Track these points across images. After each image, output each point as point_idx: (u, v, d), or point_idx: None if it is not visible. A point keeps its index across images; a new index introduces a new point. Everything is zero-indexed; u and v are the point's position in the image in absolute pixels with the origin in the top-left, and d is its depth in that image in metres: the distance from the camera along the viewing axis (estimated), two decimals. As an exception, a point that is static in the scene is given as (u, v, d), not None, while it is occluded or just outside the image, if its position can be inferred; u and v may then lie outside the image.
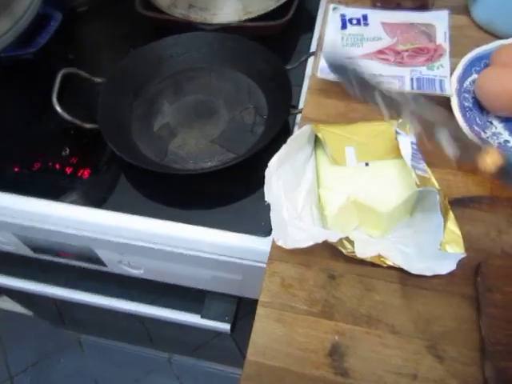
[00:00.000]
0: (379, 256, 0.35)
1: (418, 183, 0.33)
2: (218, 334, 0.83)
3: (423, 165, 0.36)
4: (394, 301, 0.34)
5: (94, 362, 1.17)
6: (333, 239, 0.34)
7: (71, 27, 0.67)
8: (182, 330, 0.78)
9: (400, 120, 0.37)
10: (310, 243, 0.34)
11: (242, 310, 0.60)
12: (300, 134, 0.39)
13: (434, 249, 0.33)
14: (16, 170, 0.53)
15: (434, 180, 0.35)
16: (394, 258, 0.35)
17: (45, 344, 1.20)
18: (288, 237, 0.35)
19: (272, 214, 0.36)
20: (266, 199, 0.36)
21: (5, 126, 0.57)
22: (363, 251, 0.35)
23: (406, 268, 0.35)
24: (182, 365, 1.14)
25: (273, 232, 0.36)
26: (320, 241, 0.34)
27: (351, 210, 0.37)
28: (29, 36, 0.52)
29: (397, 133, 0.36)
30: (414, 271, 0.35)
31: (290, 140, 0.39)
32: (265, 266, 0.47)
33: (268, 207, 0.36)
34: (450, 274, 0.34)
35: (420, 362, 0.31)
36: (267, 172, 0.37)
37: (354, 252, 0.35)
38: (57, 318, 1.04)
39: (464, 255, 0.33)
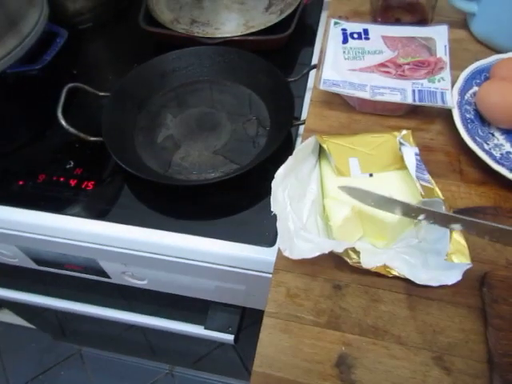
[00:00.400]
0: (385, 266, 0.35)
1: (423, 194, 0.33)
2: (219, 345, 0.82)
3: (427, 175, 0.36)
4: (399, 311, 0.34)
5: (94, 374, 1.16)
6: (339, 249, 0.34)
7: (76, 43, 0.69)
8: (184, 341, 0.78)
9: (403, 131, 0.37)
10: (316, 254, 0.34)
11: (245, 321, 0.60)
12: (305, 146, 0.40)
13: (440, 259, 0.33)
14: (21, 183, 0.53)
15: (438, 190, 0.35)
16: (400, 269, 0.36)
17: (45, 357, 1.19)
18: (294, 247, 0.35)
19: (278, 224, 0.36)
20: (272, 209, 0.36)
21: (10, 140, 0.58)
22: (368, 261, 0.36)
23: (411, 278, 0.35)
24: (184, 377, 1.13)
25: (279, 242, 0.36)
26: (326, 251, 0.34)
27: (356, 220, 0.37)
28: (35, 53, 0.52)
29: (400, 144, 0.37)
30: (419, 281, 0.35)
31: (295, 151, 0.39)
32: (269, 276, 0.48)
33: (272, 218, 0.36)
34: (456, 284, 0.34)
35: (427, 374, 0.31)
36: (273, 183, 0.38)
37: (359, 262, 0.35)
38: (58, 330, 1.04)
39: (470, 265, 0.33)
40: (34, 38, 0.51)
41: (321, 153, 0.42)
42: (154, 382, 1.14)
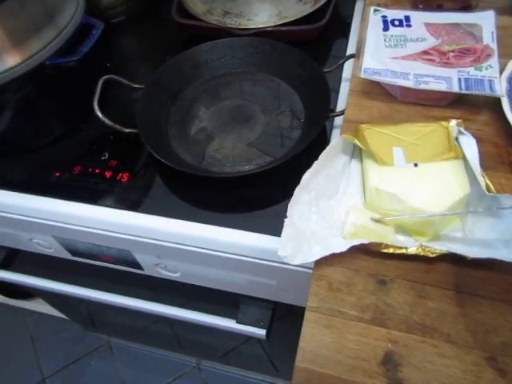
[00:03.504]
0: (422, 246, 0.34)
1: (485, 187, 0.31)
2: (246, 340, 0.82)
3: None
4: (448, 308, 0.32)
5: (123, 365, 1.18)
6: (342, 249, 0.34)
7: (109, 37, 0.69)
8: (210, 335, 0.78)
9: (453, 121, 0.36)
10: (319, 256, 0.33)
11: (274, 316, 0.59)
12: (333, 146, 0.39)
13: (487, 245, 0.31)
14: (57, 174, 0.54)
15: (489, 183, 0.33)
16: (446, 245, 0.33)
17: (76, 347, 1.22)
18: (300, 252, 0.34)
19: (286, 231, 0.35)
20: (287, 215, 0.35)
21: (48, 132, 0.59)
22: (404, 242, 0.34)
23: (458, 252, 0.33)
24: (210, 370, 1.14)
25: (281, 248, 0.35)
26: (328, 253, 0.33)
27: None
28: (72, 45, 0.53)
29: (460, 133, 0.35)
30: (468, 254, 0.32)
31: (322, 154, 0.38)
32: (301, 269, 0.47)
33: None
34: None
35: (480, 375, 0.29)
36: (298, 188, 0.37)
37: (394, 246, 0.34)
38: (88, 320, 1.06)
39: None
40: (71, 30, 0.52)
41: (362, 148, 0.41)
42: (181, 374, 1.15)
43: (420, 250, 0.34)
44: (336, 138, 0.40)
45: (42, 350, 1.23)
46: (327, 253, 0.34)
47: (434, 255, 0.34)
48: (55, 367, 1.20)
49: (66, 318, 1.11)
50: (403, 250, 0.34)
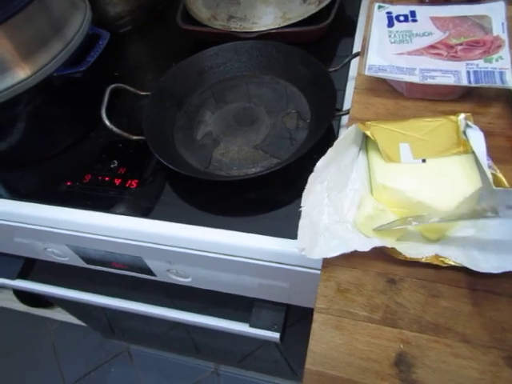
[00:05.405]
0: (437, 256, 0.33)
1: (491, 182, 0.30)
2: (263, 343, 0.81)
3: (490, 161, 0.33)
4: (463, 307, 0.31)
5: (142, 372, 1.19)
6: (365, 248, 0.33)
7: (116, 46, 0.70)
8: (228, 340, 0.77)
9: (462, 115, 0.35)
10: (338, 253, 0.33)
11: (289, 319, 0.59)
12: (346, 135, 0.38)
13: (502, 249, 0.30)
14: (68, 183, 0.55)
15: (502, 177, 0.32)
16: (455, 257, 0.33)
17: (96, 354, 1.23)
18: (316, 246, 0.34)
19: (303, 222, 0.34)
20: (302, 204, 0.35)
21: (58, 142, 0.60)
22: (417, 253, 0.33)
23: (469, 266, 0.32)
24: (229, 375, 1.14)
25: (298, 240, 0.34)
26: (349, 250, 0.32)
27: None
28: (78, 55, 0.54)
29: (467, 126, 0.34)
30: (479, 269, 0.32)
31: (336, 143, 0.38)
32: (312, 271, 0.46)
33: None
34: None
35: (498, 375, 0.28)
36: (311, 176, 0.36)
37: (405, 256, 0.33)
38: (107, 328, 1.07)
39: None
40: (78, 42, 0.53)
41: (368, 140, 0.40)
42: (199, 380, 1.15)
43: (434, 259, 0.33)
44: (351, 127, 0.39)
45: (64, 358, 1.25)
46: (348, 250, 0.33)
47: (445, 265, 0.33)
48: (77, 375, 1.21)
49: (86, 325, 1.12)
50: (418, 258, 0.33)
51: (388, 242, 0.33)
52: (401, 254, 0.33)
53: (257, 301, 0.58)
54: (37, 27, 0.50)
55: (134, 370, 1.20)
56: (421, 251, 0.34)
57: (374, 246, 0.33)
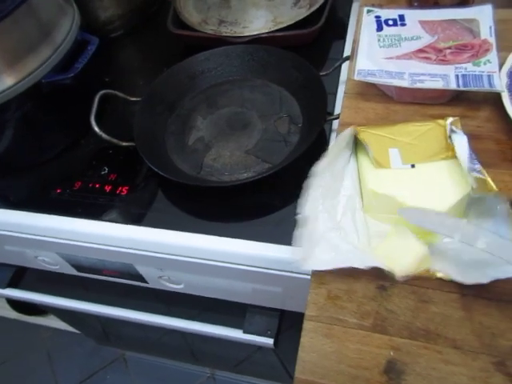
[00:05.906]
0: (427, 269, 0.33)
1: (475, 186, 0.30)
2: (259, 348, 0.81)
3: (478, 165, 0.33)
4: (453, 312, 0.31)
5: (138, 378, 1.18)
6: (361, 266, 0.32)
7: (107, 51, 0.70)
8: (223, 345, 0.77)
9: (450, 118, 0.35)
10: (334, 267, 0.32)
11: (285, 324, 0.58)
12: (341, 139, 0.38)
13: (492, 255, 0.30)
14: (58, 191, 0.54)
15: (490, 181, 0.32)
16: (444, 271, 0.33)
17: (91, 361, 1.22)
18: (312, 256, 0.33)
19: (301, 230, 0.34)
20: (299, 213, 0.35)
21: (47, 149, 0.59)
22: (407, 268, 0.33)
23: (459, 280, 0.32)
24: (225, 380, 1.13)
25: (294, 250, 0.34)
26: (345, 265, 0.32)
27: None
28: (67, 61, 0.53)
29: (452, 131, 0.34)
30: (468, 281, 0.32)
31: (330, 147, 0.37)
32: (305, 277, 0.46)
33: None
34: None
35: (488, 381, 0.28)
36: (307, 183, 0.36)
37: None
38: (101, 335, 1.06)
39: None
40: (67, 47, 0.52)
41: (358, 145, 0.40)
42: (196, 385, 1.14)
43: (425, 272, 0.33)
44: (345, 131, 0.39)
45: (59, 365, 1.24)
46: (344, 265, 0.33)
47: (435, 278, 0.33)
48: (72, 382, 1.20)
49: (80, 332, 1.11)
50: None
51: (385, 265, 0.33)
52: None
53: (250, 306, 0.57)
54: (24, 33, 0.49)
55: (129, 376, 1.19)
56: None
57: (371, 266, 0.33)
